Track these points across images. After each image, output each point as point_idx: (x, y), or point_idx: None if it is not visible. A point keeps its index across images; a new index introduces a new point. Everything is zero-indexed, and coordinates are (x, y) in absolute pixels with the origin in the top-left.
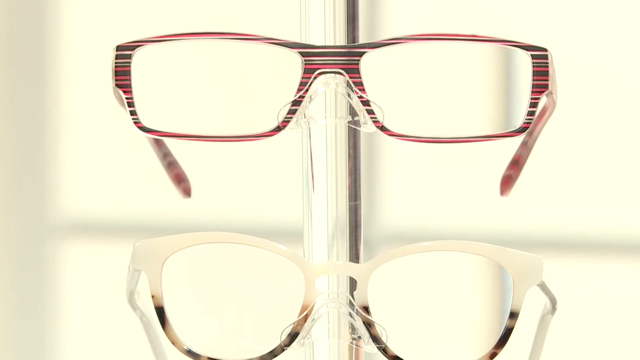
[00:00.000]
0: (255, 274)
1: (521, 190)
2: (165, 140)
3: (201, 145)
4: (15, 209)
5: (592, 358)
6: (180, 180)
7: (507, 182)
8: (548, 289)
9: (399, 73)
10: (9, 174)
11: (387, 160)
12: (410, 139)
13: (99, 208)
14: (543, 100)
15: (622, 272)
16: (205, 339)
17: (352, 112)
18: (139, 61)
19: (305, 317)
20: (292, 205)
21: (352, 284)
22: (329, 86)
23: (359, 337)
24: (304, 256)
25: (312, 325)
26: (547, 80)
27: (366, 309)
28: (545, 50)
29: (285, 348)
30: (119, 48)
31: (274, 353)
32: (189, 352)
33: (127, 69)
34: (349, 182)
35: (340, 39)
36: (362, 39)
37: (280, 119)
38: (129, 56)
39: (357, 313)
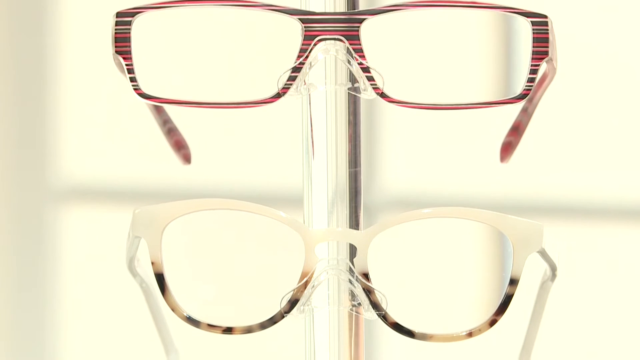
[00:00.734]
0: (255, 240)
1: (521, 157)
2: (165, 106)
3: (201, 112)
4: (15, 173)
5: (592, 324)
6: (180, 146)
7: (507, 148)
8: (548, 255)
9: (399, 40)
10: (10, 138)
11: (387, 127)
12: (410, 106)
13: (99, 174)
14: (543, 67)
15: (622, 238)
16: (205, 306)
17: (352, 79)
18: (139, 28)
19: (305, 284)
20: (292, 172)
21: (352, 250)
22: (329, 53)
23: (359, 304)
24: (304, 223)
25: (312, 292)
26: (547, 47)
27: (366, 275)
28: (546, 17)
29: (285, 315)
30: (119, 14)
31: (273, 320)
32: (189, 319)
33: (127, 35)
34: (349, 148)
35: (340, 6)
36: (362, 5)
37: (280, 85)
38: (129, 23)
39: (357, 280)
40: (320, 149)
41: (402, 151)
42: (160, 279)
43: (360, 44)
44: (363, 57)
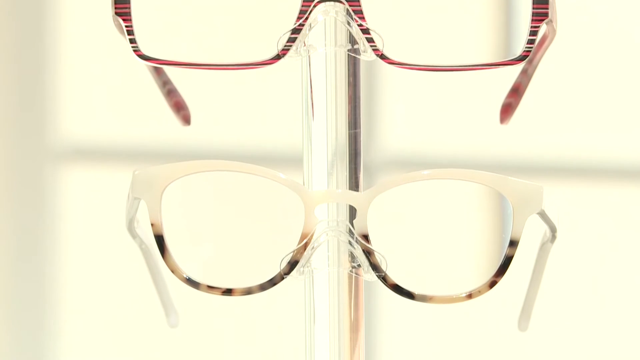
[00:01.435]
0: (255, 202)
1: (521, 118)
2: (165, 68)
3: (201, 73)
4: (14, 134)
5: (591, 285)
6: (179, 108)
7: (507, 110)
8: (548, 217)
9: (398, 1)
10: (9, 100)
11: (387, 89)
12: (410, 67)
13: (98, 135)
14: (543, 28)
15: (622, 199)
16: (204, 267)
17: (352, 40)
18: None
19: (305, 246)
20: (292, 133)
21: (352, 212)
22: (329, 14)
23: (359, 266)
24: (304, 184)
25: (311, 254)
26: (547, 8)
27: (366, 237)
28: None
29: (284, 276)
30: None
31: (273, 281)
32: (188, 281)
33: None
34: (348, 110)
35: None
36: None
37: (280, 47)
38: None
39: (356, 241)
40: (320, 110)
41: (401, 113)
42: (160, 240)
43: (359, 5)
44: (363, 18)
